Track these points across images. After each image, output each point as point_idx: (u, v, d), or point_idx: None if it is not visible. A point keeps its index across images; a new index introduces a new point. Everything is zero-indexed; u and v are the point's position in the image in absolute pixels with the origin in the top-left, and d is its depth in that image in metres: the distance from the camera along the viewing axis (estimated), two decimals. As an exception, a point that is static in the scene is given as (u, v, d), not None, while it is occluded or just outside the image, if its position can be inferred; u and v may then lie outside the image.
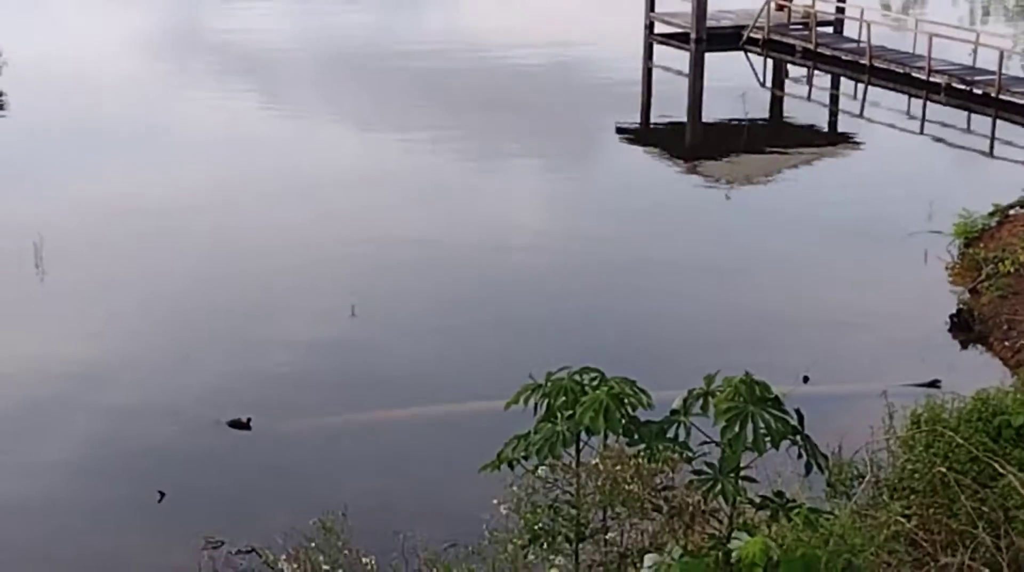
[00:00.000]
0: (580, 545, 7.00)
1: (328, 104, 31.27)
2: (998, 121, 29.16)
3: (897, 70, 33.09)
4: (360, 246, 20.38)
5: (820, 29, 36.72)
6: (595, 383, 6.50)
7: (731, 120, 30.16)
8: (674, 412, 6.42)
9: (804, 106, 32.97)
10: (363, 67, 35.39)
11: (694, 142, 29.50)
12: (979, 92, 30.60)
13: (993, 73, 30.24)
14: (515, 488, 7.36)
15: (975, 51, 32.42)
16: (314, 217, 21.85)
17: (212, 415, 14.35)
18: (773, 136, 29.50)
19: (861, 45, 34.48)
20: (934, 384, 14.15)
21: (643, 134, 29.53)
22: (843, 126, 30.66)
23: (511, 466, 6.67)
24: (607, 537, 7.26)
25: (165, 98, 31.23)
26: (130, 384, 15.46)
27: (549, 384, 6.57)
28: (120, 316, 17.48)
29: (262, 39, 38.80)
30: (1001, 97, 29.85)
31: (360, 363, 16.16)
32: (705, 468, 6.36)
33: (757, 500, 6.50)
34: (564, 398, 6.46)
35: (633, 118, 30.81)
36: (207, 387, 15.27)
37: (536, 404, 6.53)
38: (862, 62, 33.94)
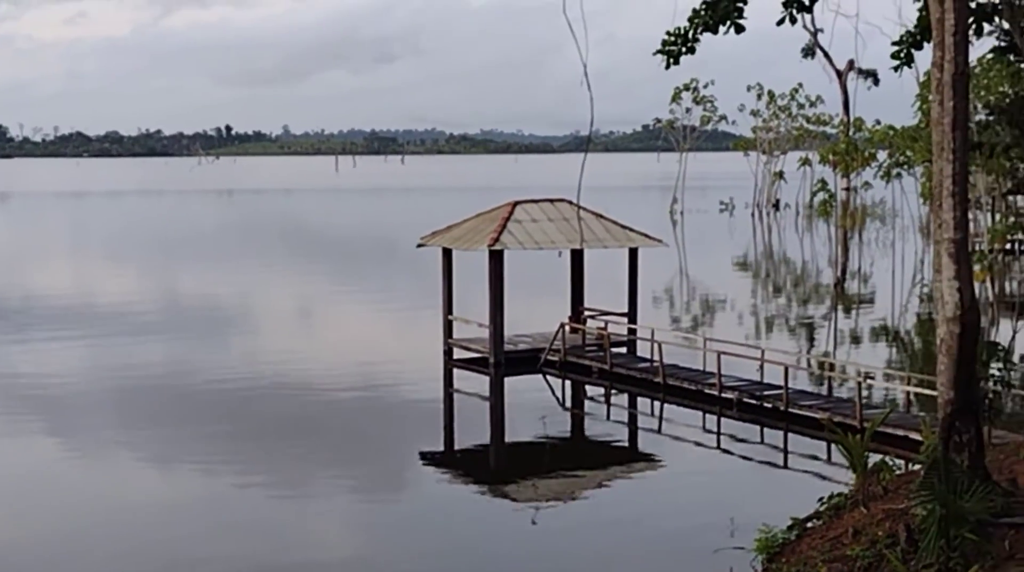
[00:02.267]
0: None
1: (127, 439, 30.50)
2: (789, 434, 30.11)
3: (690, 387, 34.16)
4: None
5: (614, 350, 37.89)
6: None
7: (534, 442, 30.42)
8: None
9: (603, 425, 33.56)
10: (162, 398, 34.83)
11: (498, 465, 29.54)
12: (769, 406, 31.72)
13: (780, 387, 31.47)
14: None
15: (761, 367, 33.82)
16: (108, 556, 20.90)
17: None
18: (575, 456, 29.79)
19: (654, 364, 35.60)
20: None
21: (446, 459, 29.50)
22: (642, 444, 31.21)
23: None
24: None
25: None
26: None
27: None
28: None
29: (56, 379, 38.01)
30: (790, 410, 30.98)
31: None
32: None
33: None
34: None
35: (436, 444, 30.83)
36: None
37: None
38: (656, 380, 34.97)
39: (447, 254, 40.69)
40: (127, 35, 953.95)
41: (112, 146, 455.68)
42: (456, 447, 31.09)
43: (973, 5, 23.46)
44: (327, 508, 24.94)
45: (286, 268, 72.55)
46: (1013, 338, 45.43)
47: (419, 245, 42.59)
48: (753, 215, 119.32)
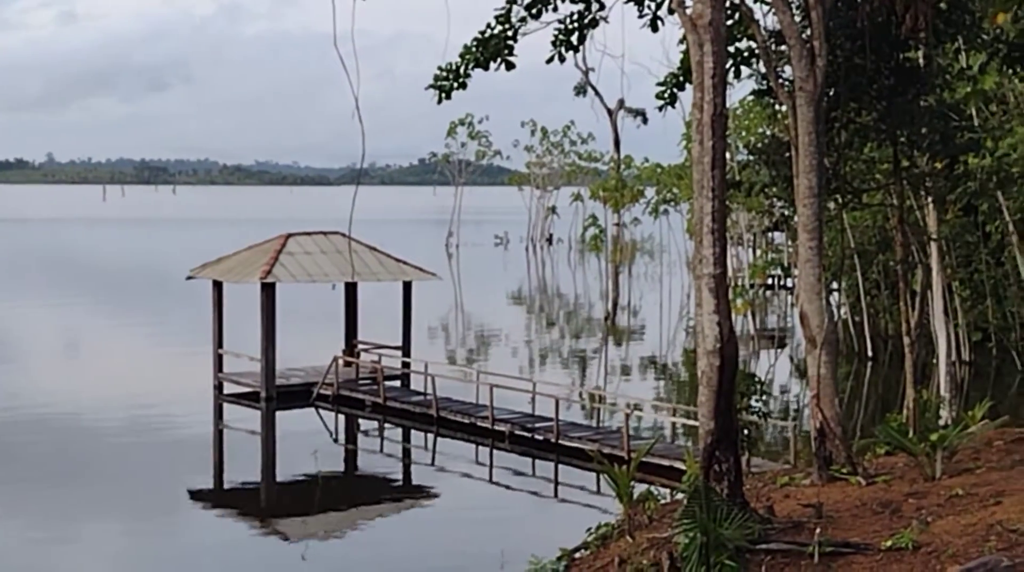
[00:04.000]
0: None
1: None
2: (560, 465, 30.58)
3: (463, 420, 34.36)
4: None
5: (388, 383, 37.84)
6: None
7: (306, 477, 30.08)
8: None
9: (377, 459, 33.44)
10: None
11: (269, 502, 29.10)
12: (540, 438, 32.15)
13: (551, 420, 31.95)
14: None
15: (533, 399, 34.29)
16: None
17: None
18: (348, 491, 29.59)
19: (428, 397, 35.70)
20: None
21: (217, 496, 28.92)
22: (416, 477, 31.21)
23: None
24: None
25: None
26: None
27: None
28: None
29: None
30: (560, 442, 31.47)
31: None
32: None
33: None
34: None
35: (206, 480, 30.17)
36: None
37: None
38: (430, 413, 35.07)
39: (218, 286, 39.98)
40: None
41: None
42: (226, 484, 30.49)
43: (732, 50, 24.46)
44: (92, 552, 24.10)
45: (50, 300, 69.98)
46: (771, 369, 47.26)
47: (189, 277, 41.76)
48: (527, 249, 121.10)
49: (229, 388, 39.44)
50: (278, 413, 37.03)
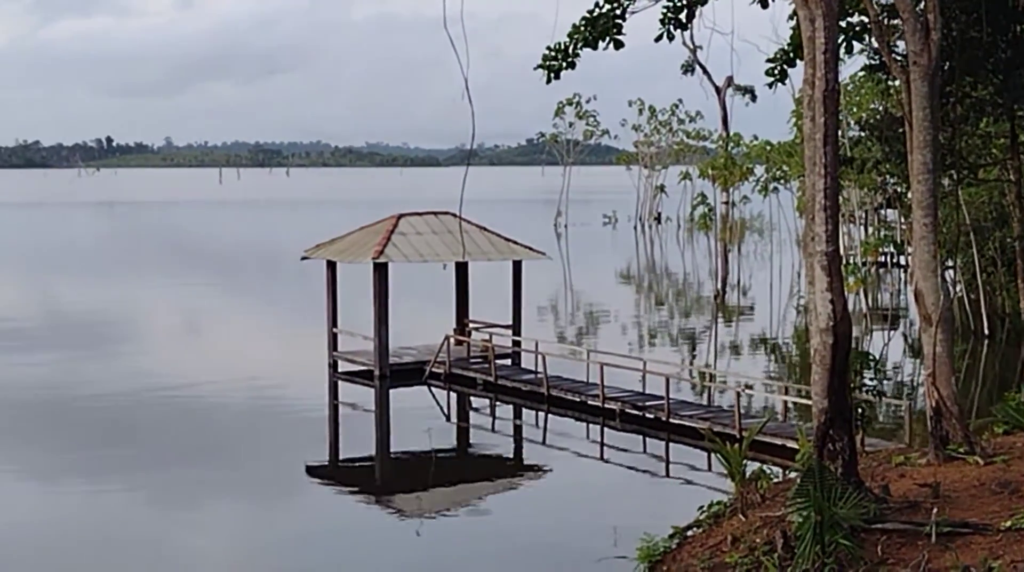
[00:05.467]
0: None
1: (9, 454, 29.98)
2: (670, 443, 30.60)
3: (573, 398, 34.52)
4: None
5: (499, 362, 38.13)
6: None
7: (419, 454, 30.51)
8: None
9: (489, 437, 33.75)
10: (47, 415, 34.24)
11: (384, 478, 29.56)
12: (651, 416, 32.19)
13: (661, 398, 31.97)
14: None
15: (644, 378, 34.33)
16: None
17: None
18: (461, 468, 29.94)
19: (538, 376, 35.91)
20: None
21: (333, 472, 29.44)
22: (528, 455, 31.46)
23: None
24: None
25: None
26: None
27: None
28: None
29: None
30: (671, 420, 31.48)
31: None
32: None
33: None
34: None
35: (322, 457, 30.74)
36: None
37: None
38: (540, 392, 35.28)
39: (331, 267, 40.60)
40: (4, 44, 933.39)
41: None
42: (341, 460, 31.04)
43: (843, 24, 24.19)
44: (214, 522, 24.76)
45: (170, 281, 71.59)
46: (885, 348, 46.67)
47: (303, 258, 42.45)
48: (635, 228, 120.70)
49: (343, 366, 40.08)
50: (391, 391, 37.55)
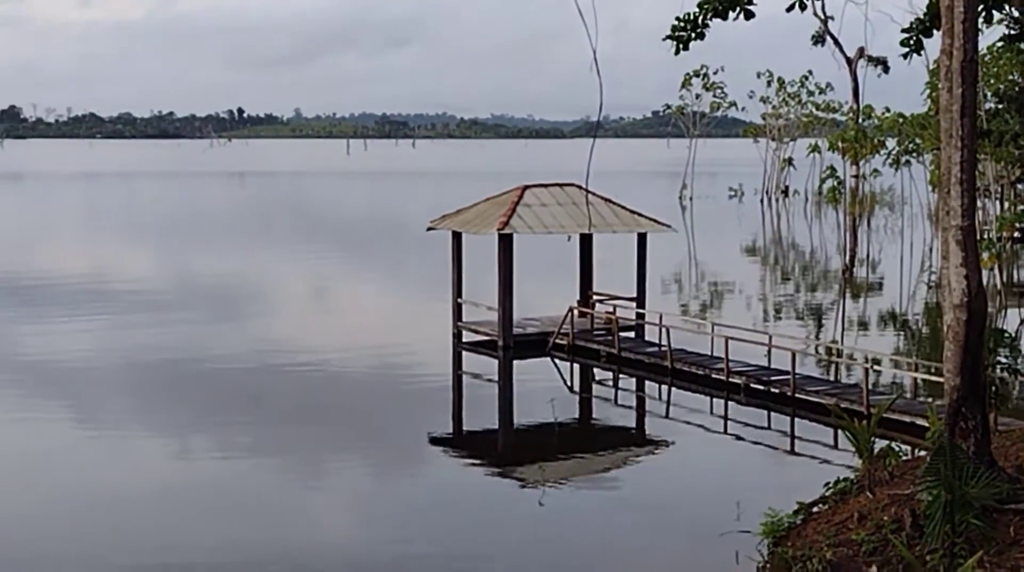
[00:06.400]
0: None
1: (142, 417, 30.77)
2: (796, 419, 30.26)
3: (698, 372, 34.30)
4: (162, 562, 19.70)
5: (623, 334, 38.02)
6: None
7: (542, 424, 30.60)
8: None
9: (611, 409, 33.72)
10: (179, 380, 35.08)
11: (507, 448, 29.72)
12: (776, 391, 31.85)
13: (787, 373, 31.60)
14: None
15: (769, 352, 33.96)
16: (113, 535, 21.16)
17: None
18: (583, 439, 29.96)
19: (662, 349, 35.75)
20: None
21: (457, 441, 29.68)
22: (650, 428, 31.36)
23: None
24: None
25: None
26: None
27: None
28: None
29: (70, 360, 38.28)
30: (797, 396, 31.12)
31: None
32: None
33: None
34: None
35: (446, 426, 31.01)
36: None
37: None
38: (664, 365, 35.12)
39: (457, 238, 40.85)
40: (140, 17, 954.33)
41: (125, 127, 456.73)
42: (465, 429, 31.27)
43: (983, -7, 23.53)
44: (338, 489, 25.14)
45: (299, 250, 72.76)
46: (1021, 325, 45.51)
47: (429, 229, 42.76)
48: (762, 201, 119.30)
49: (467, 337, 40.35)
50: (515, 362, 37.71)
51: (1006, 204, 74.72)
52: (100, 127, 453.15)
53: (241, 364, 37.01)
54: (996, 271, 57.89)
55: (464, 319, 40.72)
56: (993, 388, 23.41)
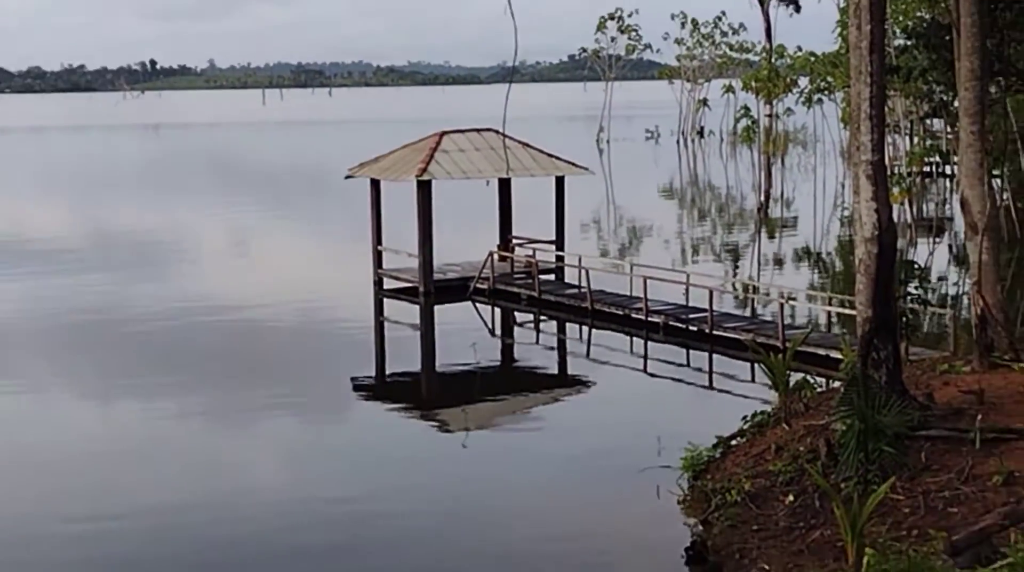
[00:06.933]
0: None
1: (62, 377, 30.50)
2: (714, 356, 30.70)
3: (617, 312, 34.63)
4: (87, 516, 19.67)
5: (542, 277, 38.24)
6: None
7: (464, 368, 30.77)
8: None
9: (533, 351, 33.98)
10: (98, 337, 34.75)
11: (429, 392, 29.89)
12: (694, 329, 32.27)
13: (705, 311, 32.01)
14: None
15: (687, 291, 34.37)
16: (41, 490, 21.06)
17: None
18: (506, 381, 30.19)
19: (582, 290, 36.02)
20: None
21: (379, 387, 29.77)
22: (572, 368, 31.65)
23: None
24: None
25: None
26: None
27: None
28: None
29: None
30: (714, 332, 31.55)
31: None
32: None
33: None
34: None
35: (369, 372, 31.07)
36: None
37: None
38: (584, 306, 35.41)
39: (375, 185, 40.72)
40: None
41: (34, 82, 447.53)
42: (388, 375, 31.36)
43: (889, -70, 23.79)
44: (262, 439, 25.12)
45: (216, 201, 72.09)
46: (930, 258, 46.43)
47: (347, 177, 42.58)
48: (678, 143, 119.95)
49: (388, 284, 40.35)
50: (436, 307, 37.80)
51: (915, 139, 75.81)
52: (8, 82, 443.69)
53: (162, 319, 36.68)
54: (906, 205, 58.83)
55: (384, 266, 40.70)
56: (904, 319, 23.95)
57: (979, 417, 17.64)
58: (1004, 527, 14.16)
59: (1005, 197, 47.38)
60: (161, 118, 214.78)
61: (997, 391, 19.43)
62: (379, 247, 40.69)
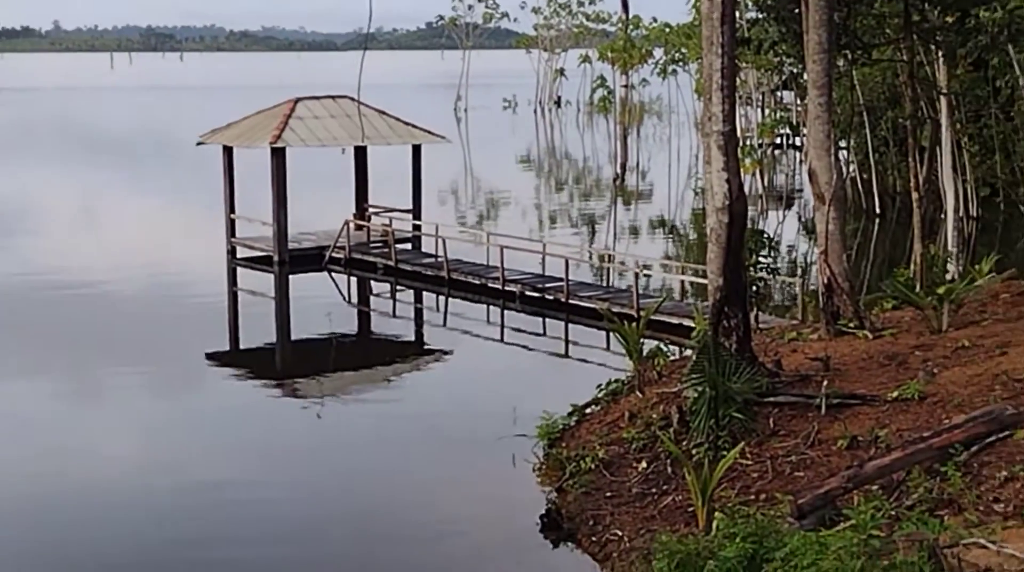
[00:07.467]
0: None
1: None
2: (570, 325, 30.95)
3: (474, 281, 34.69)
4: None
5: (399, 246, 38.08)
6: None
7: (320, 339, 30.54)
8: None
9: (389, 320, 33.87)
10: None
11: (284, 363, 29.60)
12: (550, 298, 32.49)
13: (561, 280, 32.24)
14: None
15: (544, 260, 34.57)
16: None
17: None
18: (362, 351, 30.06)
19: (439, 260, 35.98)
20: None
21: (233, 358, 29.37)
22: (429, 338, 31.65)
23: None
24: None
25: None
26: None
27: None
28: None
29: None
30: (571, 301, 31.80)
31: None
32: None
33: None
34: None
35: (222, 343, 30.62)
36: None
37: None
38: (441, 275, 35.39)
39: (228, 152, 40.05)
40: None
41: None
42: (242, 346, 30.97)
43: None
44: (113, 413, 24.61)
45: (62, 168, 70.19)
46: (779, 228, 47.43)
47: (199, 143, 41.80)
48: (535, 112, 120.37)
49: (242, 253, 39.77)
50: (291, 277, 37.41)
51: (766, 111, 77.24)
52: None
53: (5, 290, 35.64)
54: (757, 176, 59.98)
55: (238, 235, 40.09)
56: (754, 288, 24.42)
57: (825, 383, 18.07)
58: (847, 490, 14.55)
59: (851, 169, 48.58)
60: (3, 81, 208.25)
61: (842, 358, 19.93)
62: (232, 215, 40.05)
